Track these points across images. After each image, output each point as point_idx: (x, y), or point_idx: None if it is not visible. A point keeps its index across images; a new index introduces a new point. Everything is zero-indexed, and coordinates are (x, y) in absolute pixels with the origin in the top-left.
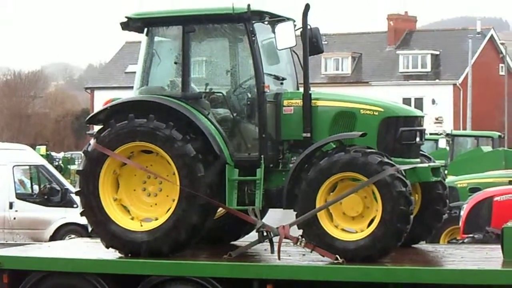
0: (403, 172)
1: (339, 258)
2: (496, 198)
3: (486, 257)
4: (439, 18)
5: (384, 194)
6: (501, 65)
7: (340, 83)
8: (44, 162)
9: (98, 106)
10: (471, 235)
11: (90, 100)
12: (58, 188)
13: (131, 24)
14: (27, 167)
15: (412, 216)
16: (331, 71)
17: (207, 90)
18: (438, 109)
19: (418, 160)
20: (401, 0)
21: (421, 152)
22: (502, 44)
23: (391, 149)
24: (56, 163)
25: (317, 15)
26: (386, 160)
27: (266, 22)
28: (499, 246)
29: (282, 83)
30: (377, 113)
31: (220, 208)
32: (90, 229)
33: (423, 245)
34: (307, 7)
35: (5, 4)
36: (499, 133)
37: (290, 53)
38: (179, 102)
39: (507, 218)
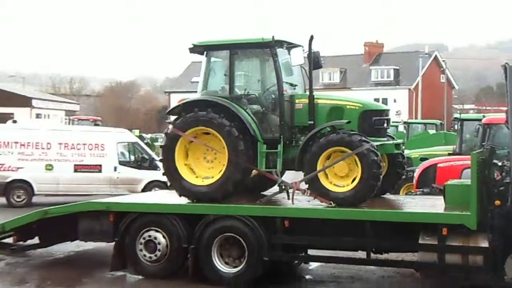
0: (375, 146)
1: (332, 203)
2: (439, 165)
3: (432, 205)
4: (399, 44)
5: (362, 161)
6: (442, 75)
7: (331, 89)
8: (137, 140)
9: (173, 104)
10: (421, 190)
11: (167, 100)
12: (147, 157)
13: (196, 49)
14: (126, 143)
15: (381, 176)
16: (326, 80)
17: (245, 93)
18: (397, 106)
19: (385, 139)
20: (373, 32)
21: (387, 134)
22: (443, 61)
23: (367, 131)
24: (146, 141)
25: (316, 41)
26: (364, 138)
27: (284, 47)
28: (441, 197)
29: (294, 88)
30: (357, 107)
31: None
32: (168, 184)
33: (389, 196)
34: (311, 37)
35: (109, 28)
36: (440, 121)
37: (300, 68)
38: (227, 101)
39: (447, 178)
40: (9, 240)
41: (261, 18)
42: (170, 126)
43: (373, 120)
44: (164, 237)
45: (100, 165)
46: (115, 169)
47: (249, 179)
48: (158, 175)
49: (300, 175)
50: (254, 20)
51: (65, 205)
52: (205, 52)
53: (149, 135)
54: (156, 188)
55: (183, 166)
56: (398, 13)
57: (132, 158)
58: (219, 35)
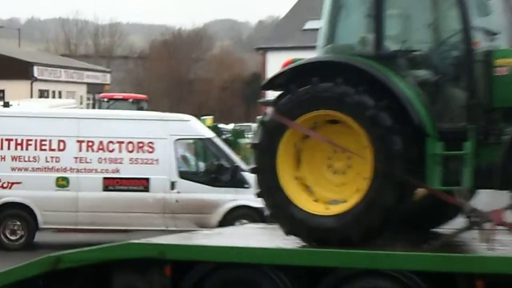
0: None
1: None
2: None
3: None
4: None
5: None
6: None
7: None
8: (210, 134)
9: (272, 70)
10: None
11: (261, 62)
12: (228, 165)
13: None
14: (191, 140)
15: None
16: None
17: (404, 48)
18: None
19: None
20: None
21: None
22: None
23: None
24: (224, 136)
25: None
26: None
27: None
28: None
29: (494, 39)
30: None
31: (420, 188)
32: (266, 213)
33: None
34: None
35: None
36: None
37: (505, 1)
38: (372, 63)
39: None
40: None
41: None
42: (270, 110)
43: None
44: None
45: (147, 179)
46: (173, 185)
47: (411, 204)
48: (246, 196)
49: (503, 198)
50: None
51: (89, 248)
52: None
53: (230, 126)
54: (244, 220)
55: (293, 181)
56: None
57: (201, 166)
58: None
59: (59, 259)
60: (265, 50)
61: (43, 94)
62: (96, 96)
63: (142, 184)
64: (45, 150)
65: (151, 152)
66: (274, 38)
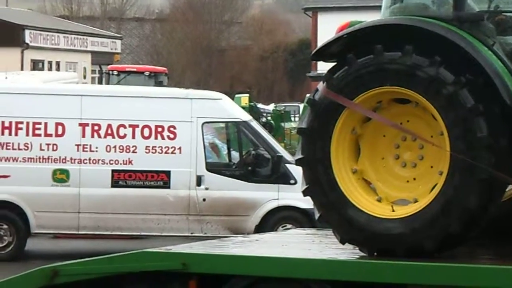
0: None
1: None
2: None
3: None
4: None
5: None
6: None
7: None
8: (246, 117)
9: (325, 35)
10: None
11: (311, 26)
12: (268, 156)
13: None
14: (222, 124)
15: None
16: None
17: (492, 9)
18: None
19: None
20: None
21: None
22: None
23: None
24: (264, 119)
25: None
26: None
27: None
28: None
29: None
30: None
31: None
32: (317, 215)
33: None
34: None
35: None
36: None
37: None
38: (451, 27)
39: None
40: None
41: None
42: (321, 86)
43: None
44: None
45: (167, 173)
46: (199, 181)
47: (500, 206)
48: (291, 194)
49: None
50: None
51: (93, 258)
52: None
53: (270, 106)
54: (287, 225)
55: (350, 176)
56: None
57: (235, 156)
58: None
59: (55, 272)
60: (316, 10)
61: (36, 65)
62: (104, 68)
63: (161, 179)
64: (39, 135)
65: (172, 138)
66: None
